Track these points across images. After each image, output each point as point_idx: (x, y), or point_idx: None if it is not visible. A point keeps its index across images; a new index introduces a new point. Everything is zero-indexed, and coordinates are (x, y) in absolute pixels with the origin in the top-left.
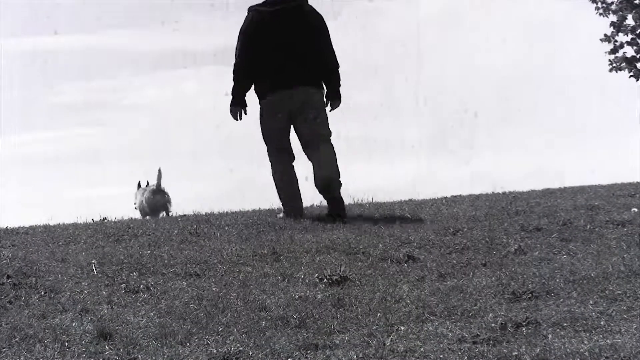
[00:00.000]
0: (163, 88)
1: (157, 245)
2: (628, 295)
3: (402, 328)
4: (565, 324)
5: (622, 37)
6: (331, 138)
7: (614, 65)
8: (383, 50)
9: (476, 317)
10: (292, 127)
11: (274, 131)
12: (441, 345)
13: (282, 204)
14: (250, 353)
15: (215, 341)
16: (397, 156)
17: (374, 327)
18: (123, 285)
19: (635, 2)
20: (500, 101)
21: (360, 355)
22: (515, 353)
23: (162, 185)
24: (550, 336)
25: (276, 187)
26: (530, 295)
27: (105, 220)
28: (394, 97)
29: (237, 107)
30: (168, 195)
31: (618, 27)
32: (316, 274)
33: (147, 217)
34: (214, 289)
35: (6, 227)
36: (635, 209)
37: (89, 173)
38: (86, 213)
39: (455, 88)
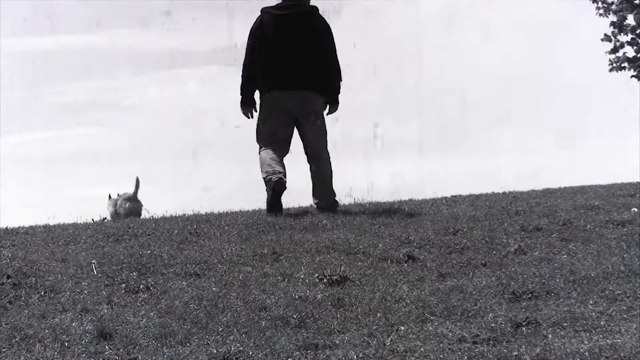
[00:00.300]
0: (163, 88)
1: (157, 245)
2: (628, 295)
3: (402, 328)
4: (565, 324)
5: (622, 37)
6: (327, 147)
7: (614, 65)
8: (383, 50)
9: (476, 317)
10: (295, 128)
11: (267, 130)
12: (441, 345)
13: (264, 178)
14: (250, 353)
15: (215, 341)
16: (397, 156)
17: (374, 327)
18: (123, 285)
19: (635, 2)
20: (501, 101)
21: (360, 355)
22: (515, 353)
23: (138, 194)
24: (550, 336)
25: (260, 168)
26: (530, 295)
27: (105, 220)
28: (394, 97)
29: (248, 106)
30: (141, 203)
31: (619, 27)
32: (316, 274)
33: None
34: (214, 289)
35: (6, 227)
36: (635, 209)
37: (89, 173)
38: (86, 213)
39: (456, 88)
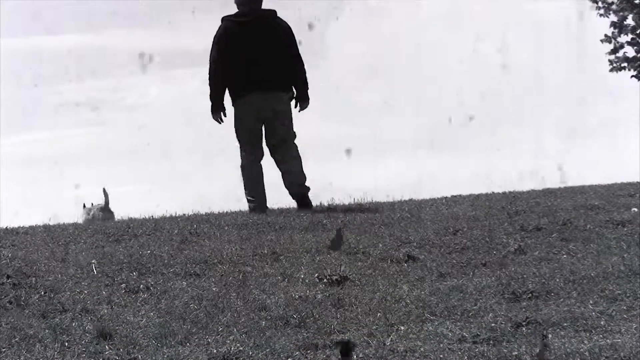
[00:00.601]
0: (164, 88)
1: (157, 245)
2: (628, 295)
3: (402, 328)
4: (565, 324)
5: (622, 37)
6: (295, 140)
7: (614, 65)
8: (383, 50)
9: (476, 317)
10: (263, 127)
11: (246, 131)
12: (441, 345)
13: (247, 199)
14: (250, 353)
15: (215, 341)
16: (397, 156)
17: (374, 327)
18: (123, 285)
19: (635, 2)
20: (500, 101)
21: (360, 355)
22: (515, 353)
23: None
24: (550, 336)
25: (243, 182)
26: (530, 295)
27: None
28: (395, 97)
29: (217, 112)
30: (112, 213)
31: (619, 27)
32: (316, 274)
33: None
34: (214, 289)
35: (6, 227)
36: (635, 209)
37: (89, 173)
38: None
39: (456, 88)
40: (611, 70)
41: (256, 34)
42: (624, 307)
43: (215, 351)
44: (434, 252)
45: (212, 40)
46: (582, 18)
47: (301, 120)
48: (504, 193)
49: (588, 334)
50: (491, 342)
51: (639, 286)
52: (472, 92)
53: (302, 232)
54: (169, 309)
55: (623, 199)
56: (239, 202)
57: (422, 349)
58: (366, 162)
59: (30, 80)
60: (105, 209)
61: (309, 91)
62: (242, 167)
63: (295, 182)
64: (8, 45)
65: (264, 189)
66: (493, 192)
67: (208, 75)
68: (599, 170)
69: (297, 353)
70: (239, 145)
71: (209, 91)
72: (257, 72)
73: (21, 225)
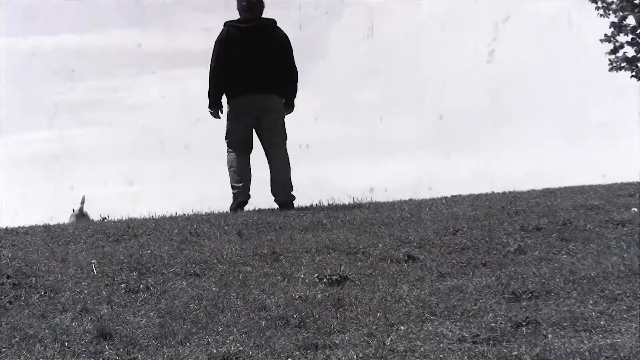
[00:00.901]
0: (165, 87)
1: (157, 245)
2: (628, 295)
3: (402, 328)
4: (565, 324)
5: (622, 37)
6: (286, 143)
7: (614, 65)
8: (384, 50)
9: (476, 317)
10: (254, 128)
11: (238, 130)
12: (441, 345)
13: (232, 192)
14: (250, 353)
15: (215, 341)
16: (398, 156)
17: (374, 327)
18: (123, 285)
19: (635, 2)
20: (501, 101)
21: (360, 355)
22: (515, 353)
23: (85, 209)
24: (550, 336)
25: (229, 175)
26: (530, 295)
27: (105, 220)
28: (395, 97)
29: (216, 108)
30: (88, 219)
31: (618, 27)
32: (316, 274)
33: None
34: (214, 289)
35: (6, 227)
36: (635, 209)
37: (89, 173)
38: (88, 210)
39: (456, 88)
40: (610, 70)
41: (256, 40)
42: (624, 307)
43: (215, 351)
44: (434, 252)
45: (214, 42)
46: (582, 18)
47: (301, 121)
48: (504, 193)
49: (588, 334)
50: (491, 342)
51: (639, 286)
52: (472, 92)
53: (302, 232)
54: (169, 309)
55: (623, 199)
56: None
57: (422, 349)
58: (366, 162)
59: (30, 80)
60: (80, 215)
61: (295, 100)
62: (229, 161)
63: (282, 192)
64: (8, 45)
65: (250, 180)
66: (493, 192)
67: (209, 76)
68: (599, 170)
69: (297, 353)
70: (226, 143)
71: (208, 88)
72: (254, 76)
73: (21, 225)
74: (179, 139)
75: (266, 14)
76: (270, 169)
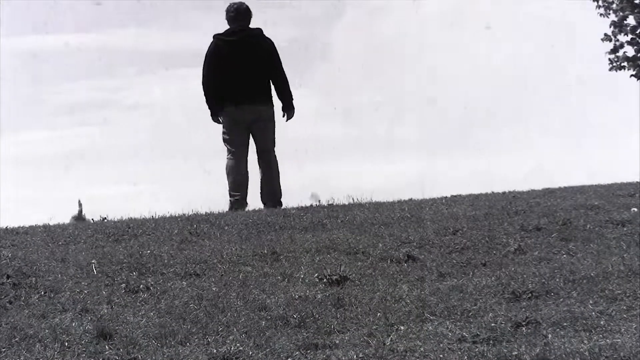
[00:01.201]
0: (166, 87)
1: (157, 245)
2: (628, 295)
3: (402, 328)
4: (565, 324)
5: (622, 37)
6: (274, 148)
7: (614, 64)
8: (384, 49)
9: (476, 317)
10: (250, 134)
11: (232, 138)
12: (441, 345)
13: (229, 194)
14: (250, 353)
15: (215, 341)
16: (398, 156)
17: (374, 327)
18: (123, 285)
19: (635, 1)
20: (501, 101)
21: (360, 355)
22: (515, 353)
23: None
24: (550, 336)
25: (227, 177)
26: (530, 295)
27: (105, 220)
28: (395, 97)
29: (215, 115)
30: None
31: (619, 26)
32: (316, 274)
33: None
34: (214, 289)
35: (6, 227)
36: (635, 209)
37: (89, 173)
38: (86, 213)
39: (456, 88)
40: (611, 69)
41: (243, 52)
42: (624, 307)
43: (215, 351)
44: (434, 252)
45: (204, 55)
46: (583, 17)
47: (301, 121)
48: (504, 193)
49: (588, 334)
50: (491, 342)
51: (639, 286)
52: (472, 92)
53: (302, 232)
54: (169, 309)
55: (623, 199)
56: None
57: (422, 349)
58: (366, 162)
59: (30, 80)
60: (79, 219)
61: (292, 102)
62: (227, 166)
63: (271, 198)
64: (8, 45)
65: (247, 188)
66: (493, 192)
67: (202, 86)
68: (599, 170)
69: (297, 353)
70: (226, 149)
71: (204, 99)
72: (243, 88)
73: (21, 225)
74: (179, 139)
75: (266, 14)
76: (261, 175)
